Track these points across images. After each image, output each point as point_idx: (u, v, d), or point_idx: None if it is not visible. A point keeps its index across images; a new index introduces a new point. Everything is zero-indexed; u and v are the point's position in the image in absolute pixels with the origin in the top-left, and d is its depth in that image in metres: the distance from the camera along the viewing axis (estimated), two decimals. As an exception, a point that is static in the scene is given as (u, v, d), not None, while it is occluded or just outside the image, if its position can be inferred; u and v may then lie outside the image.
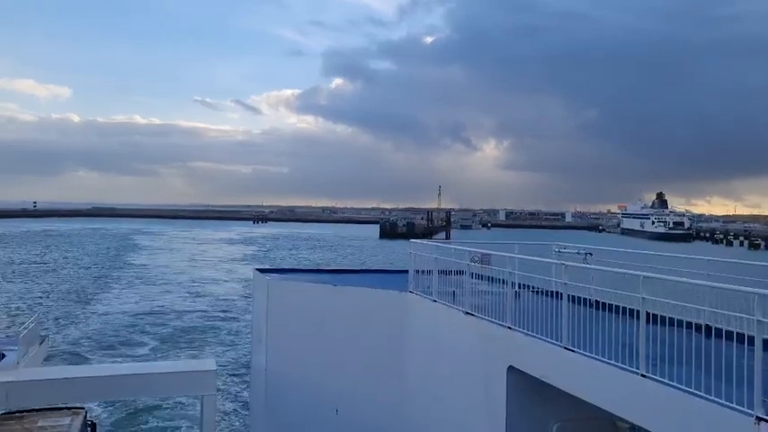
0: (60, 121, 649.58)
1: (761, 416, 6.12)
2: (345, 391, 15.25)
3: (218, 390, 21.20)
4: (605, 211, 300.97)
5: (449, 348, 12.71)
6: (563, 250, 14.00)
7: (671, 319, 7.76)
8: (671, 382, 7.12)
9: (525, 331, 10.09)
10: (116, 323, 42.84)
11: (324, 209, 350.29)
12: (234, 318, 45.55)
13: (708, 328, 7.30)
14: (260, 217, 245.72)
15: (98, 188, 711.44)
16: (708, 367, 6.76)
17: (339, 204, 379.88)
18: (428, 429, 13.24)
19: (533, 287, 10.88)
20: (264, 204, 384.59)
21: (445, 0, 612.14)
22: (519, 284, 11.00)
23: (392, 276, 19.53)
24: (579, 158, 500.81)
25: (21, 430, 14.44)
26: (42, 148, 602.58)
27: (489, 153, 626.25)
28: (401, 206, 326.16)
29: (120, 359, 33.47)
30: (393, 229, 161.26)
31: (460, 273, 12.69)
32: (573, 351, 8.90)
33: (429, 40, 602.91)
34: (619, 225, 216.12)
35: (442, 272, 13.38)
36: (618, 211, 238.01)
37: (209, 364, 18.27)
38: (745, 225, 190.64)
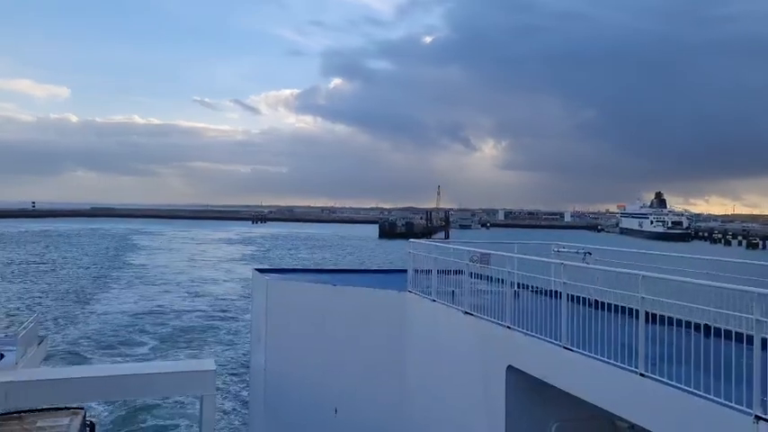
0: (59, 121, 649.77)
1: (760, 415, 6.13)
2: (344, 390, 15.25)
3: (218, 389, 21.20)
4: (604, 211, 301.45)
5: (448, 348, 12.71)
6: (562, 250, 14.01)
7: (670, 319, 7.76)
8: (670, 382, 7.12)
9: (524, 331, 10.09)
10: (115, 323, 42.83)
11: (323, 209, 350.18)
12: (233, 317, 45.56)
13: (707, 327, 7.31)
14: (259, 217, 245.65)
15: (97, 188, 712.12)
16: (707, 366, 6.77)
17: (338, 204, 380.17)
18: (427, 429, 13.24)
19: (532, 287, 10.89)
20: (263, 204, 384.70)
21: (444, 0, 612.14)
22: (518, 284, 11.01)
23: (391, 276, 19.54)
24: (578, 158, 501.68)
25: (20, 430, 14.43)
26: (41, 148, 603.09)
27: (488, 153, 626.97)
28: (400, 206, 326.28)
29: (119, 359, 33.47)
30: (392, 228, 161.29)
31: (459, 272, 12.70)
32: (572, 351, 8.90)
33: (428, 39, 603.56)
34: (617, 225, 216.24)
35: (441, 271, 13.39)
36: (617, 211, 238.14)
37: (208, 364, 18.26)
38: (744, 225, 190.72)
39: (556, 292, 9.87)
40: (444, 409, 12.68)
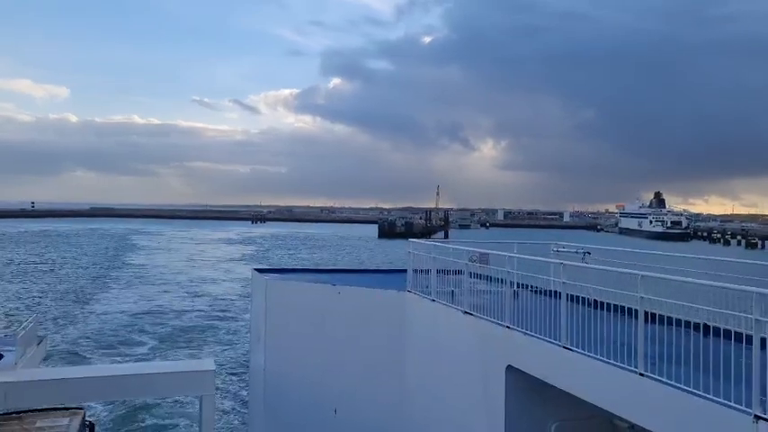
0: (58, 121, 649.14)
1: (759, 414, 6.14)
2: (344, 390, 15.25)
3: (217, 388, 21.20)
4: (603, 211, 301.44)
5: (447, 348, 12.72)
6: (561, 250, 14.02)
7: (669, 319, 7.77)
8: (669, 381, 7.13)
9: (524, 331, 10.10)
10: (115, 323, 42.82)
11: (322, 209, 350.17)
12: (232, 317, 45.56)
13: (706, 326, 7.32)
14: (258, 217, 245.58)
15: (96, 188, 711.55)
16: (706, 366, 6.77)
17: (337, 204, 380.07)
18: (427, 429, 13.24)
19: (532, 286, 10.90)
20: (263, 204, 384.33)
21: (443, 0, 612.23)
22: (517, 284, 11.02)
23: (391, 276, 19.54)
24: (577, 158, 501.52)
25: (19, 430, 14.42)
26: (40, 148, 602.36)
27: (487, 153, 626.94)
28: (399, 206, 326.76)
29: (119, 358, 33.47)
30: (391, 228, 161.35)
31: (459, 272, 12.70)
32: (571, 350, 8.91)
33: (427, 39, 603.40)
34: (617, 224, 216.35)
35: (440, 271, 13.39)
36: (616, 211, 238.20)
37: (207, 364, 18.25)
38: (743, 224, 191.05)
39: (555, 291, 9.88)
40: (444, 408, 12.69)
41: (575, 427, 10.12)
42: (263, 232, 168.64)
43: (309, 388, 15.83)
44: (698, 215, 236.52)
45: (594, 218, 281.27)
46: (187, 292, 57.70)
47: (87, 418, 16.29)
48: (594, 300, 9.19)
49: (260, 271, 20.15)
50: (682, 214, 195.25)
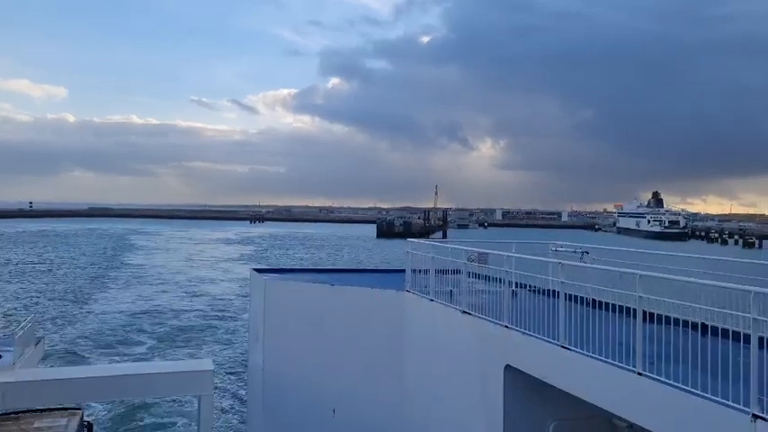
0: (56, 121, 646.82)
1: (757, 413, 6.15)
2: (343, 390, 15.25)
3: (216, 388, 21.21)
4: (601, 211, 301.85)
5: (446, 347, 12.72)
6: (559, 249, 14.03)
7: (667, 318, 7.78)
8: (668, 381, 7.13)
9: (522, 330, 10.11)
10: (113, 323, 42.79)
11: (321, 208, 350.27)
12: (231, 317, 45.54)
13: (704, 326, 7.33)
14: (257, 217, 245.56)
15: (94, 188, 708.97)
16: (704, 365, 6.78)
17: (336, 204, 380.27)
18: (426, 429, 13.24)
19: (530, 286, 10.90)
20: (261, 204, 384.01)
21: (441, 0, 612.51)
22: (516, 283, 11.02)
23: (389, 276, 19.54)
24: (575, 158, 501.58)
25: (17, 431, 14.41)
26: (38, 148, 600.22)
27: (486, 152, 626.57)
28: (398, 206, 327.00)
29: (117, 358, 33.46)
30: (390, 228, 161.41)
31: (457, 272, 12.70)
32: (570, 350, 8.91)
33: (425, 39, 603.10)
34: (615, 224, 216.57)
35: (439, 271, 13.39)
36: (614, 211, 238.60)
37: (206, 364, 18.26)
38: (740, 224, 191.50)
39: (554, 291, 9.89)
40: (443, 408, 12.69)
41: (573, 427, 10.13)
42: (261, 232, 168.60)
43: (308, 388, 15.83)
44: (696, 215, 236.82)
45: (593, 217, 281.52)
46: (186, 292, 57.67)
47: (85, 418, 16.28)
48: (593, 299, 9.20)
49: (258, 271, 20.15)
50: (679, 214, 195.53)
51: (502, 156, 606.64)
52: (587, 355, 8.49)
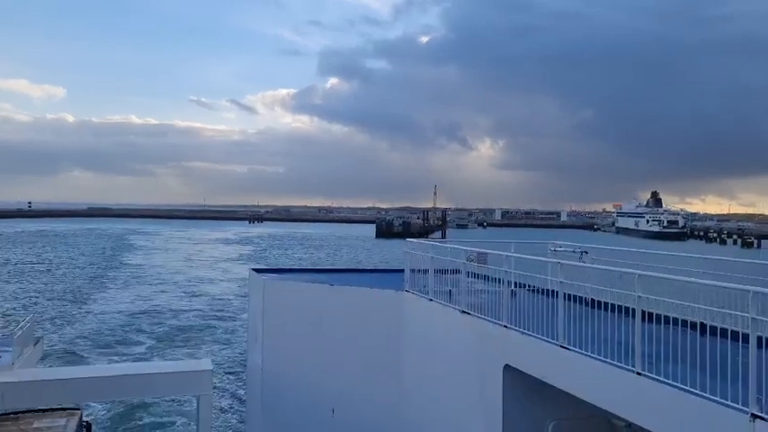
0: (55, 121, 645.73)
1: (756, 413, 6.15)
2: (342, 390, 15.25)
3: (215, 387, 21.21)
4: (600, 210, 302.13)
5: (445, 347, 12.72)
6: (558, 249, 14.03)
7: (666, 318, 7.78)
8: (667, 380, 7.14)
9: (521, 330, 10.11)
10: (112, 322, 42.78)
11: (320, 208, 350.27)
12: (230, 317, 45.54)
13: (703, 325, 7.34)
14: (256, 217, 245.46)
15: (94, 188, 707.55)
16: (703, 365, 6.79)
17: (335, 204, 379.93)
18: (425, 429, 13.25)
19: (529, 286, 10.90)
20: (260, 204, 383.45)
21: (440, 0, 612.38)
22: (515, 283, 11.02)
23: (388, 276, 19.54)
24: (574, 158, 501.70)
25: (16, 431, 14.40)
26: (37, 148, 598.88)
27: (485, 152, 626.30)
28: (397, 206, 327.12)
29: (116, 358, 33.46)
30: (389, 228, 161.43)
31: (456, 272, 12.71)
32: (569, 350, 8.92)
33: (424, 39, 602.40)
34: (614, 224, 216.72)
35: (438, 271, 13.38)
36: (613, 210, 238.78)
37: (205, 364, 18.26)
38: (739, 224, 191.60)
39: (552, 291, 9.89)
40: (441, 408, 12.69)
41: (572, 427, 10.13)
42: (260, 232, 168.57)
43: (307, 388, 15.83)
44: (695, 214, 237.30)
45: (592, 217, 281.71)
46: (185, 292, 57.65)
47: (84, 418, 16.28)
48: (592, 299, 9.20)
49: (257, 271, 20.15)
50: (678, 213, 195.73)
51: (501, 156, 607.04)
52: (586, 355, 8.50)
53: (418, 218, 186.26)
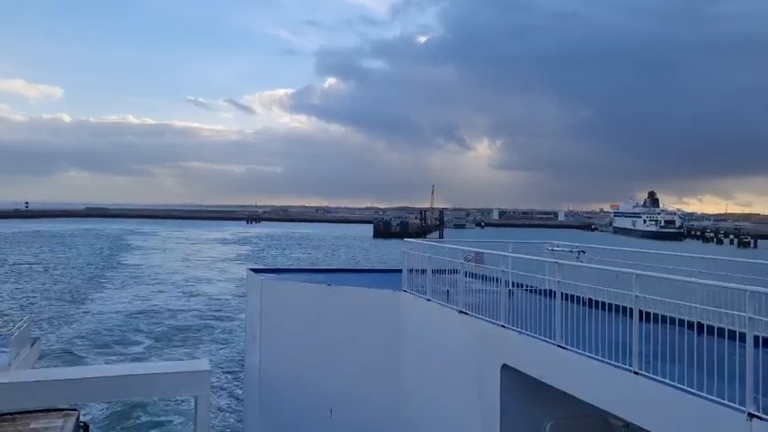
0: (52, 121, 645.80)
1: (753, 412, 6.17)
2: (340, 390, 15.24)
3: (213, 386, 21.19)
4: (598, 210, 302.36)
5: (443, 347, 12.73)
6: (556, 249, 14.06)
7: (663, 317, 7.80)
8: (664, 380, 7.16)
9: (519, 330, 10.12)
10: (110, 322, 42.70)
11: (317, 208, 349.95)
12: (228, 317, 45.50)
13: (700, 325, 7.35)
14: (253, 217, 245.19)
15: (91, 188, 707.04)
16: (700, 364, 6.80)
17: (333, 204, 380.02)
18: (423, 429, 13.25)
19: (527, 286, 10.91)
20: (258, 204, 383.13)
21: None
22: (513, 283, 11.03)
23: (386, 276, 19.55)
24: (572, 158, 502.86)
25: None
26: (34, 148, 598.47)
27: (482, 152, 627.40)
28: (395, 205, 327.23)
29: (114, 357, 33.41)
30: (387, 228, 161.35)
31: (454, 272, 12.71)
32: (566, 349, 8.93)
33: (422, 39, 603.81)
34: (611, 224, 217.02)
35: (435, 271, 13.39)
36: (610, 210, 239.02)
37: (202, 364, 18.21)
38: (736, 223, 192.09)
39: (550, 290, 9.90)
40: (439, 408, 12.70)
41: (570, 426, 10.14)
42: (258, 232, 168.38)
43: (305, 388, 15.82)
44: (692, 214, 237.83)
45: (589, 217, 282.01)
46: (182, 292, 57.57)
47: (81, 418, 16.24)
48: (589, 299, 9.22)
49: (255, 271, 20.13)
50: (675, 213, 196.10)
51: (499, 156, 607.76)
52: (584, 355, 8.51)
53: (416, 218, 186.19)
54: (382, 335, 14.72)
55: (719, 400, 6.46)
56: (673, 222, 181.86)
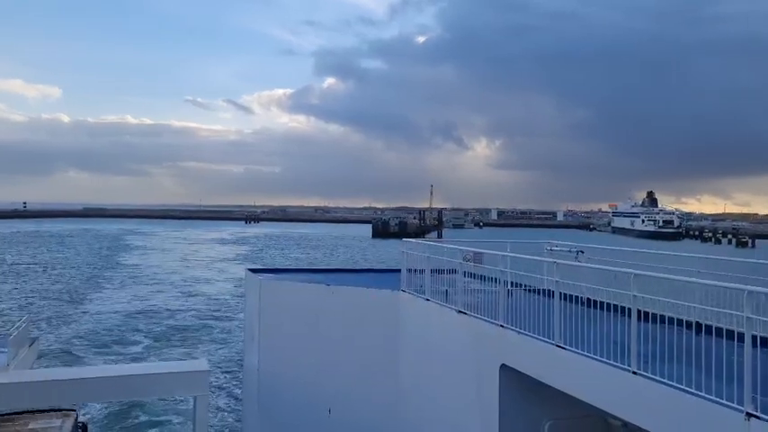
0: (50, 121, 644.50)
1: (751, 412, 6.18)
2: (338, 390, 15.25)
3: (212, 386, 21.19)
4: (596, 210, 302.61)
5: (441, 347, 12.73)
6: (554, 248, 14.07)
7: (662, 317, 7.81)
8: (662, 380, 7.16)
9: (518, 329, 10.13)
10: (109, 322, 42.68)
11: (316, 208, 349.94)
12: (227, 317, 45.50)
13: (698, 324, 7.37)
14: (252, 217, 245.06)
15: (89, 188, 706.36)
16: (698, 364, 6.81)
17: (331, 204, 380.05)
18: (421, 428, 13.25)
19: (526, 285, 10.92)
20: (256, 204, 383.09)
21: (436, 0, 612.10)
22: (511, 283, 11.04)
23: (385, 276, 19.55)
24: (571, 157, 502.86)
25: (11, 432, 14.35)
26: (33, 148, 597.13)
27: (481, 152, 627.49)
28: (393, 205, 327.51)
29: (113, 357, 33.40)
30: (385, 228, 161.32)
31: (453, 271, 12.72)
32: (565, 349, 8.94)
33: (420, 39, 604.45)
34: (609, 224, 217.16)
35: (434, 271, 13.40)
36: (609, 210, 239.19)
37: (201, 364, 18.20)
38: (734, 223, 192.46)
39: (549, 290, 9.91)
40: (438, 408, 12.70)
41: (568, 426, 10.15)
42: (256, 232, 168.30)
43: (303, 388, 15.82)
44: (690, 214, 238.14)
45: (587, 217, 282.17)
46: (181, 292, 57.54)
47: (80, 419, 16.22)
48: (588, 298, 9.23)
49: (253, 271, 20.12)
50: (673, 213, 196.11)
51: (497, 155, 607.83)
52: (582, 355, 8.52)
53: (414, 218, 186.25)
54: (381, 335, 14.72)
55: (718, 399, 6.47)
56: (671, 222, 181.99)
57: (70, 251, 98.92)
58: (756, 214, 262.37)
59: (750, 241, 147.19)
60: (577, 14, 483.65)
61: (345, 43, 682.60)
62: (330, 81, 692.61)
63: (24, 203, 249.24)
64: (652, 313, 7.92)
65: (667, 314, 7.92)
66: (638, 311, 7.87)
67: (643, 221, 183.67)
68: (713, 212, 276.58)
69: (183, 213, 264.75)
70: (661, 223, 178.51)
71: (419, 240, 16.26)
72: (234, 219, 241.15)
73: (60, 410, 15.54)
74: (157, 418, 24.70)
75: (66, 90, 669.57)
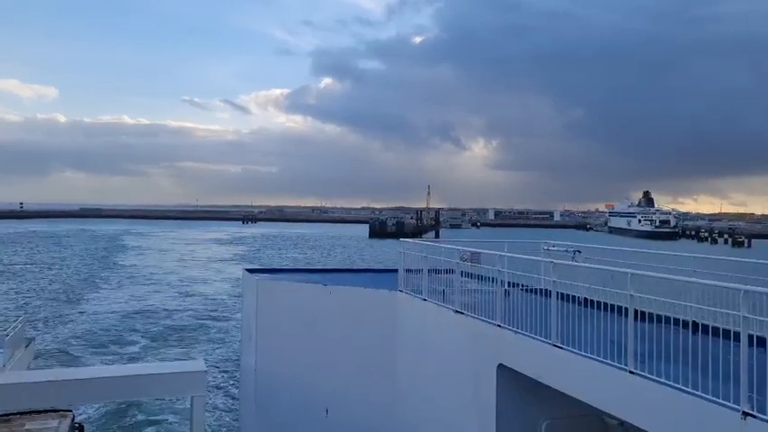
0: (46, 121, 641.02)
1: (747, 411, 6.20)
2: (335, 390, 15.25)
3: (209, 386, 21.17)
4: (593, 210, 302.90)
5: (439, 347, 12.74)
6: (551, 248, 14.09)
7: (659, 316, 7.83)
8: (659, 379, 7.18)
9: (515, 329, 10.14)
10: (106, 322, 42.61)
11: (313, 208, 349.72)
12: (224, 317, 45.46)
13: (695, 324, 7.38)
14: (249, 217, 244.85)
15: (85, 189, 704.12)
16: (695, 363, 6.83)
17: (328, 204, 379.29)
18: (419, 428, 13.26)
19: (523, 285, 10.94)
20: (254, 204, 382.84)
21: (433, 0, 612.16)
22: (508, 283, 11.05)
23: (382, 276, 19.56)
24: (568, 157, 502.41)
25: (8, 433, 14.31)
26: (29, 148, 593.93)
27: (478, 152, 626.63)
28: (391, 205, 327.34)
29: (110, 357, 33.35)
30: (383, 228, 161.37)
31: (450, 271, 12.73)
32: (562, 349, 8.95)
33: (418, 39, 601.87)
34: (606, 224, 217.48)
35: (431, 271, 13.41)
36: (605, 210, 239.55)
37: (198, 364, 18.17)
38: (730, 223, 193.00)
39: (546, 290, 9.92)
40: (435, 408, 12.71)
41: (566, 425, 10.17)
42: (253, 232, 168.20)
43: (301, 388, 15.82)
44: (687, 214, 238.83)
45: (584, 217, 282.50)
46: (178, 292, 57.47)
47: (76, 419, 16.18)
48: (585, 298, 9.24)
49: (251, 271, 20.12)
50: (670, 213, 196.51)
51: (494, 156, 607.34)
52: (579, 354, 8.53)
53: (412, 218, 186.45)
54: (378, 335, 14.72)
55: (714, 398, 6.48)
56: (667, 222, 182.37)
57: (67, 251, 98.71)
58: (753, 214, 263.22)
59: (746, 241, 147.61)
60: (575, 15, 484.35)
61: (342, 43, 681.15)
62: (327, 81, 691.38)
63: (21, 204, 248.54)
64: (649, 313, 7.94)
65: (664, 314, 7.93)
66: (635, 311, 7.89)
67: (640, 221, 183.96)
68: (710, 212, 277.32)
69: (180, 213, 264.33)
70: (658, 223, 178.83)
71: (416, 240, 16.27)
72: (231, 219, 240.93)
73: (56, 411, 15.51)
74: (154, 418, 24.67)
75: (63, 90, 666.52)
